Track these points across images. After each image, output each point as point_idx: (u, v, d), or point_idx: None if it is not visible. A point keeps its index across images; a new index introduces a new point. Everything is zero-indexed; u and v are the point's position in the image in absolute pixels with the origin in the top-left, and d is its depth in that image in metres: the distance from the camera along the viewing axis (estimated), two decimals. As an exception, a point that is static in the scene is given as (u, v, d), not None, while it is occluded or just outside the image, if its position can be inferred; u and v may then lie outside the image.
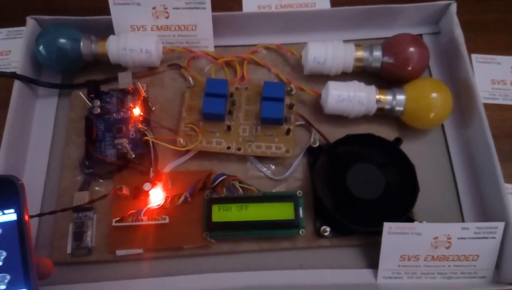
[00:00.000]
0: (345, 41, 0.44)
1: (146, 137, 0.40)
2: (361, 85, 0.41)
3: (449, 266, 0.37)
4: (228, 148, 0.40)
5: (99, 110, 0.41)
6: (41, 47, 0.42)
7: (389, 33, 0.47)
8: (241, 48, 0.47)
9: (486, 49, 0.50)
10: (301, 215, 0.38)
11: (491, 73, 0.48)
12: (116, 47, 0.43)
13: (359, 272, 0.38)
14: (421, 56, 0.42)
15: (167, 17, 0.45)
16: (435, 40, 0.49)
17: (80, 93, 0.41)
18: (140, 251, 0.37)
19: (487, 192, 0.40)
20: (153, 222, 0.37)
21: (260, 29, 0.47)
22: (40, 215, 0.36)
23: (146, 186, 0.38)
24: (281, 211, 0.38)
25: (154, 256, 0.38)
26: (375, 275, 0.38)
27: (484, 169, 0.41)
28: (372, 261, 0.38)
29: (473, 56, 0.49)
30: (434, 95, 0.41)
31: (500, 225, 0.37)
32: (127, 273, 0.38)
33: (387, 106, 0.41)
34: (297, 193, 0.39)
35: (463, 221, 0.41)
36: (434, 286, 0.37)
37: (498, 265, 0.37)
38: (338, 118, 0.43)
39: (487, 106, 0.43)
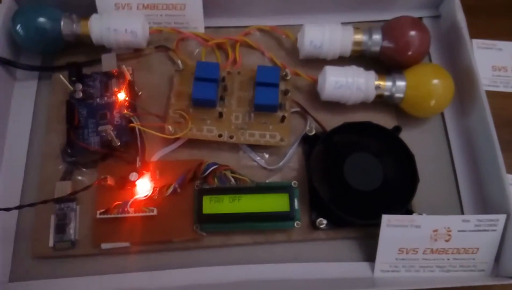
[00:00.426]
0: (343, 23, 0.42)
1: (132, 124, 0.37)
2: (360, 70, 0.39)
3: (448, 259, 0.36)
4: (220, 136, 0.38)
5: (81, 95, 0.39)
6: (18, 27, 0.39)
7: (387, 15, 0.45)
8: (233, 30, 0.45)
9: (487, 34, 0.48)
10: (296, 207, 0.36)
11: (492, 59, 0.47)
12: (99, 27, 0.40)
13: (355, 265, 0.37)
14: (423, 41, 0.40)
15: (154, -5, 0.42)
16: (435, 24, 0.47)
17: (61, 76, 0.38)
18: (126, 244, 0.35)
19: (487, 183, 0.39)
20: (140, 214, 0.35)
21: (253, 9, 0.45)
22: (19, 207, 0.34)
23: (133, 176, 0.36)
24: (276, 203, 0.36)
25: (141, 250, 0.36)
26: (372, 268, 0.36)
27: (485, 159, 0.39)
28: (369, 254, 0.37)
29: (474, 41, 0.48)
30: (435, 81, 0.39)
31: (502, 217, 0.35)
32: (113, 267, 0.36)
33: (386, 93, 0.39)
34: (292, 183, 0.37)
35: (462, 212, 0.39)
36: (432, 279, 0.36)
37: (497, 258, 0.36)
38: (335, 105, 0.41)
39: (488, 94, 0.41)
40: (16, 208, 0.34)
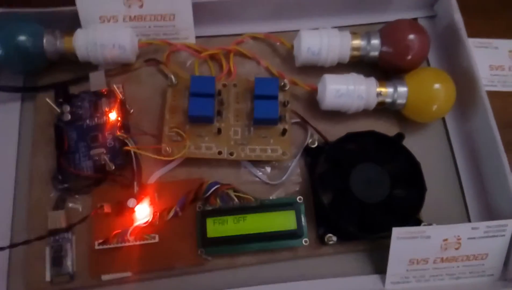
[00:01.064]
0: (336, 27, 0.41)
1: (127, 147, 0.35)
2: (360, 77, 0.38)
3: (457, 266, 0.36)
4: (220, 153, 0.37)
5: (69, 117, 0.36)
6: (-4, 46, 0.37)
7: (382, 17, 0.44)
8: (225, 38, 0.43)
9: (482, 32, 0.47)
10: (303, 223, 0.35)
11: (488, 58, 0.46)
12: (85, 42, 0.37)
13: (365, 278, 0.36)
14: (422, 44, 0.39)
15: (141, 6, 0.40)
16: (431, 24, 0.46)
17: (47, 99, 0.36)
18: (127, 274, 0.34)
19: (492, 186, 0.39)
20: (142, 242, 0.33)
21: (245, 16, 0.43)
22: (12, 246, 0.32)
23: (131, 202, 0.34)
24: (282, 221, 0.35)
25: (143, 278, 0.34)
26: (383, 281, 0.35)
27: (488, 162, 0.39)
28: (379, 266, 0.36)
29: (470, 40, 0.47)
30: (436, 86, 0.38)
31: (510, 222, 0.35)
32: (114, 298, 0.34)
33: (388, 100, 0.38)
34: (297, 199, 0.36)
35: (468, 217, 0.39)
36: (442, 287, 0.36)
37: (506, 263, 0.36)
38: (335, 114, 0.40)
39: (487, 94, 0.40)
40: (10, 247, 0.32)
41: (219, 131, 0.37)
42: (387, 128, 0.39)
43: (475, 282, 0.36)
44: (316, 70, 0.41)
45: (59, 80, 0.39)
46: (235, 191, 0.36)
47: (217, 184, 0.35)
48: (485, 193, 0.39)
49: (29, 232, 0.35)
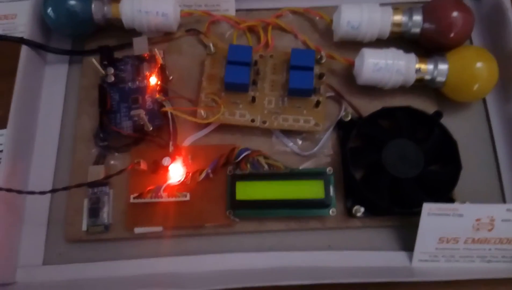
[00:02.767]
0: (380, 4, 0.40)
1: (165, 108, 0.37)
2: (400, 52, 0.38)
3: (489, 249, 0.35)
4: (253, 120, 0.37)
5: (113, 79, 0.38)
6: (49, 10, 0.39)
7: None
8: (265, 12, 0.43)
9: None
10: (331, 194, 0.35)
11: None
12: (131, 9, 0.39)
13: (392, 254, 0.36)
14: (466, 22, 0.38)
15: (184, -23, 0.41)
16: (476, 4, 0.44)
17: (93, 60, 0.38)
18: (159, 229, 0.35)
19: (531, 171, 0.37)
20: (173, 199, 0.35)
21: (286, -9, 0.43)
22: (53, 191, 0.34)
23: (166, 161, 0.35)
24: (310, 189, 0.35)
25: (174, 234, 0.36)
26: (410, 258, 0.35)
27: (529, 146, 0.38)
28: (407, 243, 0.36)
29: (517, 22, 0.45)
30: (479, 65, 0.37)
31: (548, 207, 0.34)
32: (146, 252, 0.36)
33: (427, 77, 0.38)
34: (327, 170, 0.36)
35: (504, 200, 0.38)
36: (472, 269, 0.35)
37: (542, 250, 0.35)
38: (371, 90, 0.39)
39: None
40: (50, 191, 0.34)
41: (253, 99, 0.38)
42: (425, 107, 0.39)
43: (507, 267, 0.35)
44: (354, 45, 0.40)
45: (105, 45, 0.41)
46: (265, 158, 0.36)
47: (248, 150, 0.36)
48: (523, 176, 0.38)
49: (71, 184, 0.37)
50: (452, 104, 0.39)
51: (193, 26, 0.42)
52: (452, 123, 0.37)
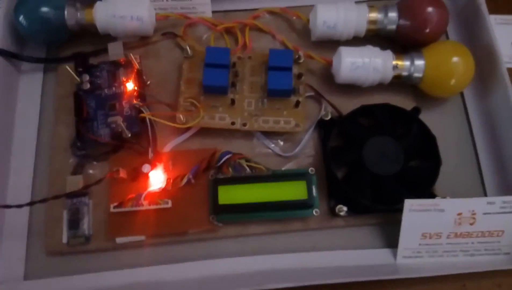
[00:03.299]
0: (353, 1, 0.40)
1: (143, 114, 0.36)
2: (376, 50, 0.38)
3: (472, 243, 0.35)
4: (233, 123, 0.37)
5: (88, 86, 0.37)
6: (21, 18, 0.38)
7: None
8: (241, 13, 0.43)
9: (506, 9, 0.46)
10: (314, 194, 0.35)
11: (510, 35, 0.45)
12: (105, 14, 0.38)
13: (376, 252, 0.36)
14: (441, 18, 0.38)
15: (159, -20, 0.40)
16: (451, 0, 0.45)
17: (67, 67, 0.37)
18: (141, 237, 0.35)
19: (510, 164, 0.38)
20: (155, 207, 0.34)
21: (261, -9, 0.43)
22: (30, 203, 0.33)
23: (145, 168, 0.35)
24: (293, 191, 0.35)
25: (157, 242, 0.35)
26: (394, 255, 0.35)
27: (507, 138, 0.38)
28: (391, 240, 0.36)
29: (492, 17, 0.45)
30: (455, 59, 0.37)
31: (528, 198, 0.34)
32: (129, 262, 0.35)
33: (404, 73, 0.38)
34: (309, 170, 0.36)
35: (484, 193, 0.38)
36: (456, 264, 0.35)
37: (523, 241, 0.35)
38: (350, 88, 0.39)
39: (508, 72, 0.39)
40: (28, 204, 0.33)
41: (232, 102, 0.37)
42: (404, 103, 0.39)
43: (491, 260, 0.35)
44: (331, 44, 0.40)
45: (79, 51, 0.40)
46: (247, 160, 0.36)
47: (229, 153, 0.36)
48: (503, 170, 0.38)
49: (49, 195, 0.36)
50: (430, 100, 0.40)
51: (170, 29, 0.42)
52: (430, 118, 0.37)
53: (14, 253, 0.35)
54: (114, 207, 0.34)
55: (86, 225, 0.35)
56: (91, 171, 0.37)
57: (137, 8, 0.38)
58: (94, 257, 0.35)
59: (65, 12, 0.38)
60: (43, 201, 0.33)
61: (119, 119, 0.35)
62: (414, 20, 0.38)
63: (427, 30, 0.38)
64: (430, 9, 0.38)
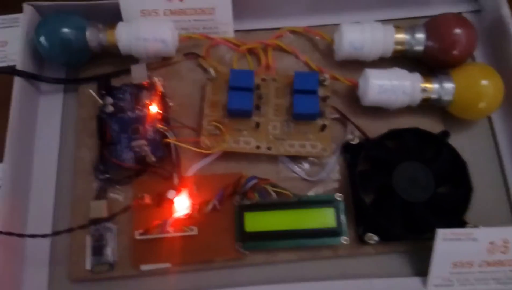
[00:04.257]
0: (377, 21, 0.39)
1: (168, 140, 0.35)
2: (404, 72, 0.37)
3: (504, 271, 0.34)
4: (258, 147, 0.36)
5: (112, 109, 0.37)
6: (42, 38, 0.38)
7: (424, 11, 0.43)
8: (263, 33, 0.42)
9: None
10: (343, 222, 0.34)
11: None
12: (127, 36, 0.38)
13: (406, 280, 0.35)
14: (469, 39, 0.38)
15: (181, 0, 0.40)
16: (476, 19, 0.44)
17: (90, 90, 0.37)
18: (167, 265, 0.34)
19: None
20: (181, 234, 0.34)
21: (284, 10, 0.42)
22: (55, 234, 0.32)
23: (171, 194, 0.34)
24: (321, 218, 0.34)
25: (181, 270, 0.35)
26: (424, 283, 0.34)
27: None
28: (420, 268, 0.35)
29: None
30: (485, 82, 0.36)
31: (562, 227, 0.33)
32: (153, 289, 0.34)
33: (433, 96, 0.37)
34: (337, 196, 0.35)
35: (514, 220, 0.37)
36: (487, 292, 0.34)
37: (557, 269, 0.34)
38: (376, 110, 0.39)
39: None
40: (53, 234, 0.32)
41: (257, 125, 0.37)
42: (430, 126, 0.38)
43: (523, 288, 0.35)
44: (356, 64, 0.40)
45: (100, 73, 0.40)
46: (273, 186, 0.35)
47: (255, 179, 0.35)
48: (533, 194, 0.37)
49: (71, 221, 0.35)
50: (456, 122, 0.39)
51: (191, 49, 0.41)
52: (458, 142, 0.37)
53: (37, 279, 0.35)
54: (140, 234, 0.33)
55: (110, 252, 0.34)
56: (114, 195, 0.36)
57: (161, 30, 0.38)
58: (118, 284, 0.35)
59: (87, 33, 0.38)
60: (69, 230, 0.32)
61: (143, 144, 0.35)
62: (442, 41, 0.38)
63: (456, 52, 0.37)
64: (458, 30, 0.37)
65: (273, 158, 0.38)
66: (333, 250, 0.35)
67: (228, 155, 0.37)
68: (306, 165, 0.38)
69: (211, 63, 0.40)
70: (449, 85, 0.37)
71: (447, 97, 0.37)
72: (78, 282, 0.35)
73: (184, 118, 0.39)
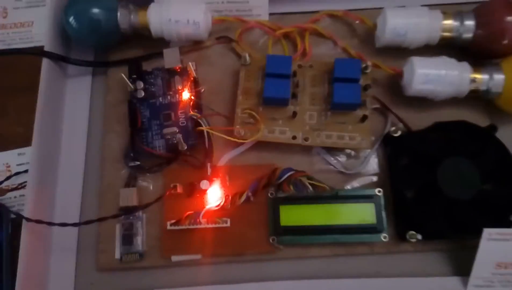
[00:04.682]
0: (423, 5, 0.37)
1: (201, 128, 0.34)
2: (452, 61, 0.35)
3: (549, 274, 0.33)
4: (294, 138, 0.35)
5: (143, 94, 0.35)
6: (71, 19, 0.36)
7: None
8: (300, 16, 0.40)
9: None
10: (384, 218, 0.33)
11: None
12: (159, 17, 0.36)
13: (445, 280, 0.33)
14: (523, 26, 0.35)
15: (214, -20, 0.38)
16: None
17: (122, 74, 0.35)
18: (198, 256, 0.33)
19: None
20: (213, 226, 0.32)
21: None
22: (87, 222, 0.31)
23: (204, 184, 0.33)
24: (360, 213, 0.33)
25: (212, 261, 0.34)
26: (464, 283, 0.33)
27: None
28: (460, 267, 0.33)
29: None
30: (538, 74, 0.34)
31: None
32: (183, 280, 0.33)
33: (482, 88, 0.35)
34: (377, 191, 0.33)
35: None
36: (530, 295, 0.33)
37: None
38: (419, 101, 0.36)
39: None
40: (84, 223, 0.31)
41: (294, 114, 0.35)
42: (476, 119, 0.36)
43: None
44: (398, 52, 0.38)
45: (130, 56, 0.38)
46: (309, 178, 0.34)
47: (291, 171, 0.33)
48: None
49: (100, 209, 0.35)
50: (505, 116, 0.37)
51: (224, 33, 0.39)
52: (504, 137, 0.35)
53: (64, 268, 0.34)
54: (171, 225, 0.32)
55: (140, 241, 0.33)
56: (144, 183, 0.35)
57: (194, 12, 0.36)
58: (148, 274, 0.34)
59: (118, 14, 0.36)
60: (101, 219, 0.31)
61: (175, 131, 0.33)
62: (493, 29, 0.35)
63: (507, 41, 0.35)
64: (511, 17, 0.35)
65: (307, 149, 0.36)
66: (370, 247, 0.34)
67: (260, 145, 0.36)
68: (343, 157, 0.36)
69: (244, 48, 0.38)
70: (499, 77, 0.34)
71: (496, 89, 0.34)
72: (106, 271, 0.34)
73: (215, 104, 0.37)
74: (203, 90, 0.37)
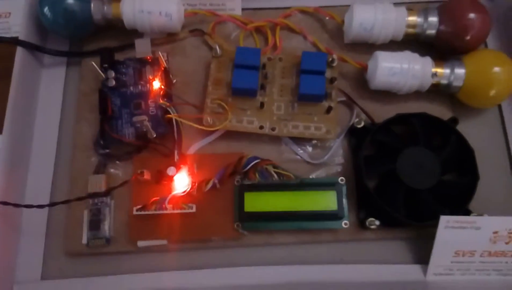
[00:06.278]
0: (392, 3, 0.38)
1: (170, 115, 0.35)
2: (415, 56, 0.36)
3: (506, 262, 0.34)
4: (261, 127, 0.36)
5: (114, 83, 0.36)
6: (45, 9, 0.37)
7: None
8: (272, 11, 0.41)
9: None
10: (344, 205, 0.34)
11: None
12: (132, 9, 0.37)
13: (406, 267, 0.34)
14: (483, 24, 0.36)
15: (187, -26, 0.39)
16: (490, 5, 0.43)
17: (93, 63, 0.36)
18: (164, 242, 0.34)
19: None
20: (179, 211, 0.33)
21: (293, -11, 0.41)
22: (52, 204, 0.32)
23: (171, 170, 0.33)
24: (322, 201, 0.33)
25: (179, 247, 0.34)
26: (424, 271, 0.34)
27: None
28: (421, 256, 0.34)
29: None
30: (497, 69, 0.35)
31: None
32: (149, 265, 0.34)
33: (443, 81, 0.36)
34: (339, 179, 0.34)
35: (520, 211, 0.36)
36: (488, 283, 0.34)
37: (561, 262, 0.34)
38: (384, 94, 0.38)
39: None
40: (49, 205, 0.32)
41: (261, 105, 0.36)
42: (438, 112, 0.37)
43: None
44: (366, 47, 0.39)
45: (104, 46, 0.39)
46: (274, 167, 0.35)
47: (257, 159, 0.34)
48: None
49: (70, 195, 0.35)
50: (465, 109, 0.38)
51: (197, 26, 0.40)
52: (466, 130, 0.36)
53: (32, 252, 0.34)
54: (137, 210, 0.33)
55: (107, 227, 0.34)
56: (113, 171, 0.36)
57: (166, 3, 0.37)
58: (114, 259, 0.34)
59: (91, 5, 0.37)
60: (66, 202, 0.32)
61: (145, 119, 0.34)
62: (455, 26, 0.36)
63: (469, 37, 0.36)
64: (472, 14, 0.36)
65: (275, 139, 0.37)
66: (333, 234, 0.34)
67: (229, 135, 0.37)
68: (309, 148, 0.37)
69: (217, 41, 0.39)
70: (460, 71, 0.36)
71: (457, 83, 0.36)
72: (73, 256, 0.34)
73: (188, 95, 0.38)
74: (175, 81, 0.38)
